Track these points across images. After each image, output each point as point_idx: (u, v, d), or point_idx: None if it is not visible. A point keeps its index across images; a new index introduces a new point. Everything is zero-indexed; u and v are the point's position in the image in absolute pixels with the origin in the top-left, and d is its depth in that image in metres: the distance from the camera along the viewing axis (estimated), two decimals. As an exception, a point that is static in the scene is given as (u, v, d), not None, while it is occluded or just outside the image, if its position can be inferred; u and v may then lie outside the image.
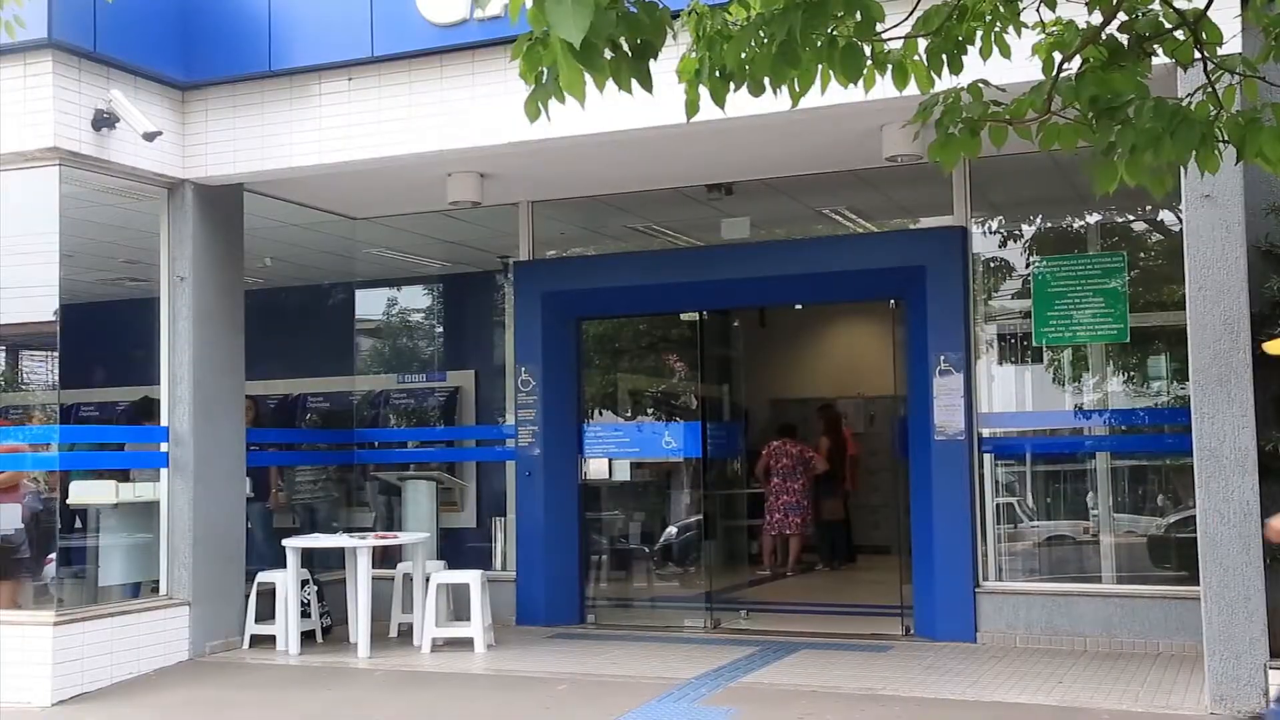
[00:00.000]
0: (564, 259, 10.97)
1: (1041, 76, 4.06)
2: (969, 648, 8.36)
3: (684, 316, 10.66)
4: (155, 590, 8.68)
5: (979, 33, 4.03)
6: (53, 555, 8.24)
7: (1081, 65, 3.95)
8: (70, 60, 7.91)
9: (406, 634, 9.24)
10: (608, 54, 3.27)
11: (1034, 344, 8.73)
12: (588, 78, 3.20)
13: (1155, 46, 3.98)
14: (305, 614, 9.09)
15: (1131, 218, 9.12)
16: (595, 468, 10.10)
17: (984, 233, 9.13)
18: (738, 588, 11.63)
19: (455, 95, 8.11)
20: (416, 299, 12.25)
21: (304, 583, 9.12)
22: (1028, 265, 8.92)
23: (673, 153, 8.59)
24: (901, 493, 9.33)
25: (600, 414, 10.76)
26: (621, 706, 6.89)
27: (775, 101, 3.97)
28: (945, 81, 4.05)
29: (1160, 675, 7.36)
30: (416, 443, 11.28)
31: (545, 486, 9.87)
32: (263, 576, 9.04)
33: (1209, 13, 3.87)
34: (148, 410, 9.22)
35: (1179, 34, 3.92)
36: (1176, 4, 3.89)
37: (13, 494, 8.35)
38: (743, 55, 3.66)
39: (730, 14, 3.79)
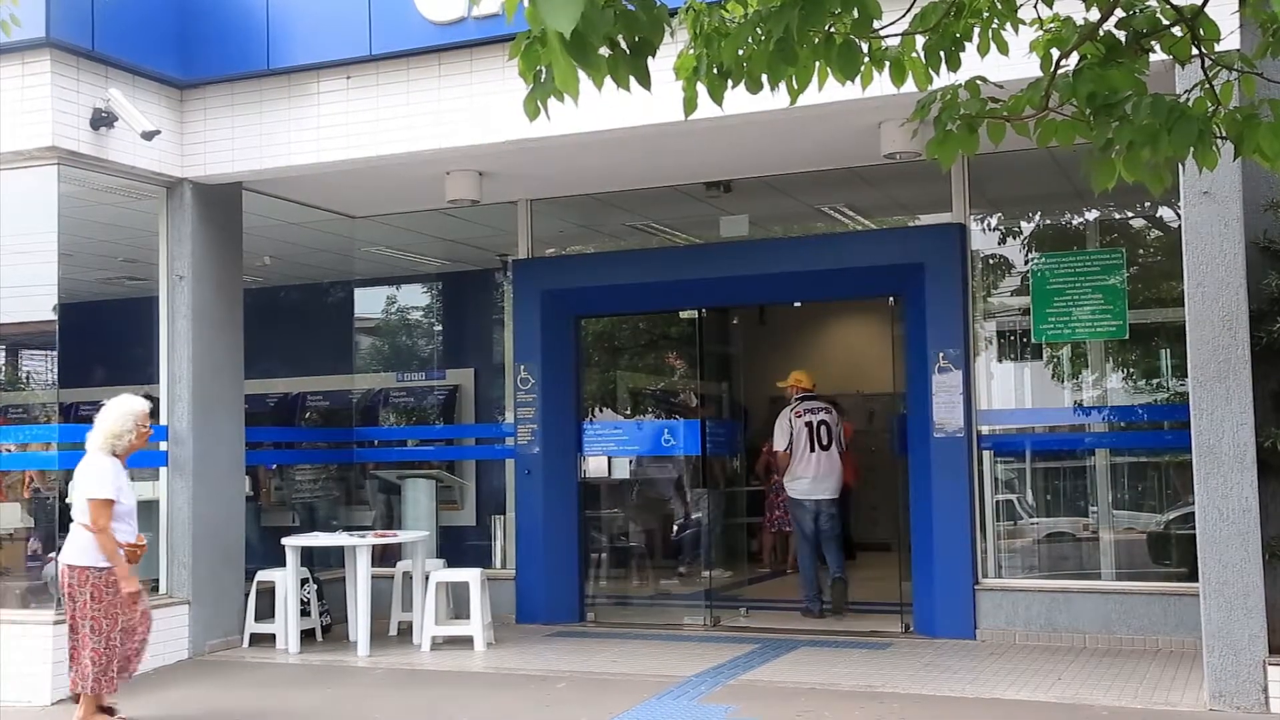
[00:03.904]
0: (563, 257, 10.97)
1: (1039, 73, 4.05)
2: (968, 645, 8.37)
3: (683, 314, 10.65)
4: (155, 589, 8.67)
5: (976, 29, 4.03)
6: (53, 554, 8.23)
7: (1079, 62, 3.95)
8: (68, 59, 7.91)
9: (406, 632, 9.25)
10: (606, 52, 3.27)
11: (1033, 341, 8.73)
12: (586, 76, 3.20)
13: (1153, 43, 3.98)
14: (305, 612, 9.10)
15: (1130, 214, 9.12)
16: (595, 466, 10.10)
17: (983, 229, 9.13)
18: (737, 585, 11.62)
19: (454, 94, 8.11)
20: (415, 297, 12.25)
21: (304, 581, 9.12)
22: (1026, 262, 8.92)
23: (671, 150, 8.59)
24: (901, 490, 9.33)
25: (600, 412, 10.76)
26: (621, 704, 6.89)
27: (773, 99, 3.98)
28: (943, 78, 4.05)
29: (1159, 672, 7.37)
30: (416, 441, 11.28)
31: (545, 484, 9.86)
32: (262, 575, 9.04)
33: (1206, 9, 3.86)
34: (146, 409, 9.22)
35: (1176, 30, 3.91)
36: (1174, 0, 3.89)
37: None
38: (740, 52, 3.66)
39: (728, 11, 3.79)
